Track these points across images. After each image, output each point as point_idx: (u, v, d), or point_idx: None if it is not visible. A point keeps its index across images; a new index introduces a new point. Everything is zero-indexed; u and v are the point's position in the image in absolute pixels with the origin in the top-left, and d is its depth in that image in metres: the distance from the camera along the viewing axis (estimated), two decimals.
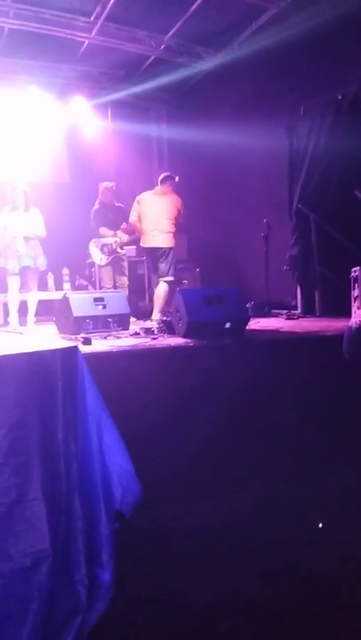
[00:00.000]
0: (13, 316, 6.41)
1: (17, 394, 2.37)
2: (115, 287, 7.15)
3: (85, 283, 8.42)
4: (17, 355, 2.45)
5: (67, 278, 8.23)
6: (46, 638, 2.15)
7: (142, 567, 2.77)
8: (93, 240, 7.31)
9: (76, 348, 2.68)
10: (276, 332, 5.13)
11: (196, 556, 2.90)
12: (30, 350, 2.53)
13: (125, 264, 7.40)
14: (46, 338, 4.86)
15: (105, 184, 7.40)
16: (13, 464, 2.29)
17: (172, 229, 6.68)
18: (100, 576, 2.44)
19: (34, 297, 6.54)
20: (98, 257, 7.19)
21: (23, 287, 6.51)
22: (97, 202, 7.40)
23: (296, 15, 6.55)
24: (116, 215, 7.26)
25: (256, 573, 2.72)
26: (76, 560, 2.37)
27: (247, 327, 4.97)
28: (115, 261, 7.22)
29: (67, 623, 2.23)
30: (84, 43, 8.06)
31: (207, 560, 2.86)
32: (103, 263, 7.17)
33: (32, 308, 6.53)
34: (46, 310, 6.81)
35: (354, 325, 3.88)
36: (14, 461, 2.29)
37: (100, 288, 7.33)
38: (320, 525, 3.16)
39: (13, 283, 6.38)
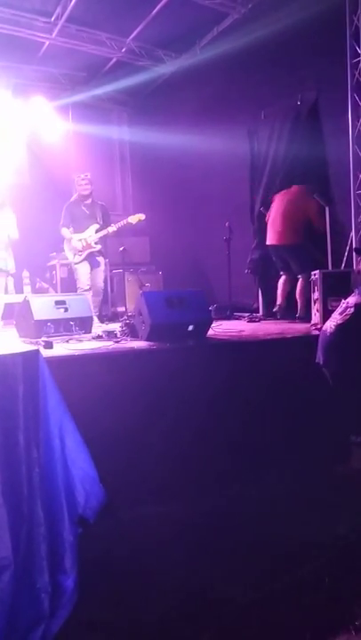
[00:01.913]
0: None
1: None
2: (91, 288, 6.79)
3: (46, 286, 8.33)
4: None
5: (27, 281, 8.10)
6: None
7: (107, 572, 2.74)
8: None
9: (37, 351, 2.65)
10: (238, 334, 5.17)
11: (162, 560, 2.89)
12: None
13: (102, 262, 6.89)
14: (7, 341, 4.79)
15: (80, 174, 6.94)
16: None
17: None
18: (63, 583, 2.41)
19: (1, 300, 6.46)
20: (71, 255, 6.86)
21: None
22: (74, 195, 6.99)
23: (257, 22, 6.64)
24: (92, 210, 6.79)
25: (222, 574, 2.73)
26: (39, 567, 2.33)
27: (210, 330, 4.99)
28: (90, 257, 6.77)
29: (29, 631, 2.20)
30: (44, 43, 7.99)
31: (173, 563, 2.85)
32: (78, 260, 6.78)
33: None
34: (6, 314, 6.70)
35: (329, 330, 3.83)
36: None
37: (77, 289, 6.84)
38: None
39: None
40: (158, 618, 2.42)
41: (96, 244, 6.73)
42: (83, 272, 6.77)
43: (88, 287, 6.77)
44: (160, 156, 8.97)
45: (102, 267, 6.90)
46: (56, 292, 8.04)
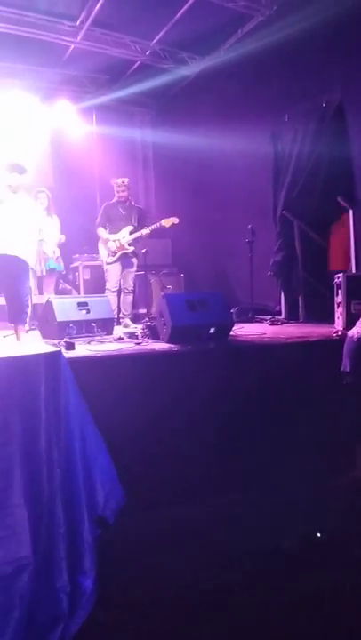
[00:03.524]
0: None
1: None
2: (119, 290, 6.81)
3: (69, 287, 8.38)
4: (0, 359, 2.43)
5: None
6: None
7: (125, 573, 2.74)
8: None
9: (59, 352, 2.66)
10: (259, 337, 5.14)
11: (178, 561, 2.88)
12: (13, 354, 2.50)
13: (135, 263, 6.94)
14: (29, 342, 4.83)
15: (116, 180, 7.01)
16: None
17: None
18: (82, 583, 2.42)
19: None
20: (105, 254, 6.92)
21: (40, 290, 6.70)
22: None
23: (282, 23, 6.60)
24: (129, 212, 6.86)
25: (240, 577, 2.71)
26: (58, 567, 2.35)
27: (231, 332, 4.97)
28: (124, 259, 6.81)
29: (49, 630, 2.21)
30: (69, 47, 8.04)
31: (190, 565, 2.84)
32: (110, 261, 6.81)
33: None
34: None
35: (356, 336, 3.81)
36: None
37: (105, 290, 6.88)
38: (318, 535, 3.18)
39: (34, 284, 6.46)
40: (173, 619, 2.41)
41: (130, 245, 6.78)
42: (113, 273, 6.83)
43: (116, 289, 6.82)
44: (183, 159, 8.97)
45: (134, 268, 6.97)
46: (79, 293, 8.09)
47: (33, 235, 5.25)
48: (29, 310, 5.15)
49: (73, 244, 8.06)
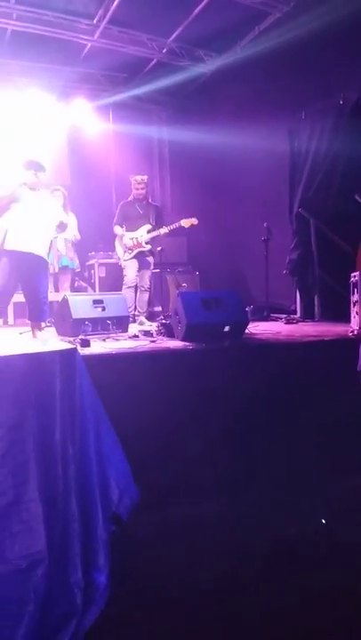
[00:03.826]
0: None
1: (15, 395, 2.37)
2: (136, 286, 6.85)
3: (85, 285, 8.42)
4: (16, 356, 2.46)
5: None
6: None
7: (139, 570, 2.75)
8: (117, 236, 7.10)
9: (74, 349, 2.68)
10: (274, 336, 5.12)
11: (192, 559, 2.88)
12: (29, 351, 2.53)
13: (152, 262, 6.99)
14: (45, 339, 4.86)
15: (136, 177, 7.06)
16: (11, 465, 2.29)
17: None
18: (96, 579, 2.43)
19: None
20: (121, 252, 6.96)
21: (56, 287, 6.78)
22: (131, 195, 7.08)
23: (298, 20, 6.57)
24: (146, 210, 6.88)
25: (253, 576, 2.71)
26: (73, 563, 2.36)
27: (246, 331, 4.96)
28: (140, 257, 6.86)
29: (62, 625, 2.22)
30: (86, 45, 8.08)
31: (203, 565, 2.84)
32: (127, 258, 6.86)
33: None
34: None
35: None
36: (11, 462, 2.29)
37: (122, 285, 6.92)
38: (323, 521, 3.16)
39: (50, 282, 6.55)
40: (191, 618, 2.41)
41: (147, 243, 6.80)
42: (130, 269, 6.86)
43: (134, 284, 6.85)
44: (199, 156, 8.97)
45: (151, 267, 7.01)
46: (94, 291, 8.13)
47: (52, 233, 5.28)
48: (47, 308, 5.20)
49: (89, 242, 8.11)
